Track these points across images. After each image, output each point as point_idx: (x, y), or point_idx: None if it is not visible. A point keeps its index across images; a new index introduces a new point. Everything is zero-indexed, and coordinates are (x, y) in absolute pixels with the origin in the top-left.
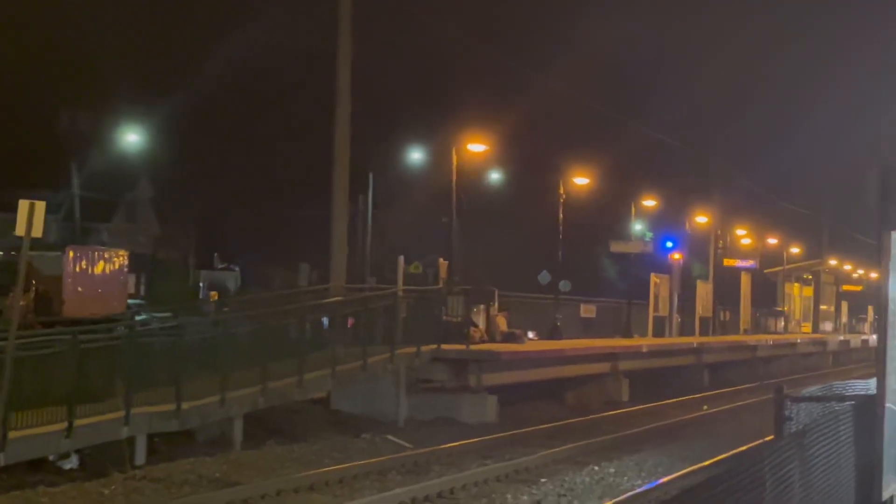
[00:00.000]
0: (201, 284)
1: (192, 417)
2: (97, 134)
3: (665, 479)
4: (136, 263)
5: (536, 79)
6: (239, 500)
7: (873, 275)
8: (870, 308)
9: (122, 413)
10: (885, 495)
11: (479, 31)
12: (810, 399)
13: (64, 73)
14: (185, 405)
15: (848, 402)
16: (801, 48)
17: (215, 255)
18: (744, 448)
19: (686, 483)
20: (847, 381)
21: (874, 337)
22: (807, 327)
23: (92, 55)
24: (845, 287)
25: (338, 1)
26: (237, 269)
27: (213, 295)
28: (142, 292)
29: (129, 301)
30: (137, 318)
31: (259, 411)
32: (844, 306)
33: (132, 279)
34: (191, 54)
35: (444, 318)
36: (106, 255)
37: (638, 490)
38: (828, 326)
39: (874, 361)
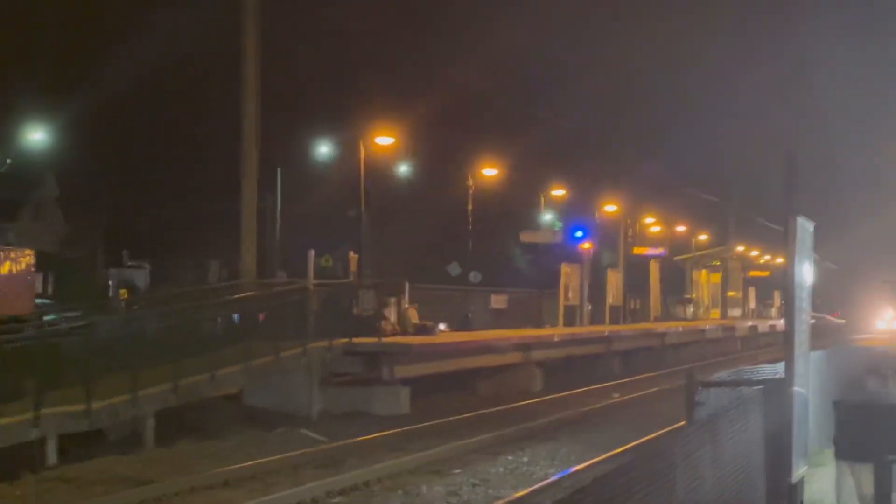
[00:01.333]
0: (110, 283)
1: (103, 417)
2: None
3: (578, 468)
4: (43, 263)
5: (444, 71)
6: (152, 499)
7: (779, 260)
8: (776, 293)
9: (31, 415)
10: (795, 477)
11: (386, 23)
12: (721, 384)
13: None
14: (95, 405)
15: (757, 387)
16: (711, 38)
17: (124, 252)
18: (656, 434)
19: (599, 471)
20: (756, 366)
21: (781, 321)
22: (715, 313)
23: None
24: (752, 273)
25: None
26: (147, 266)
27: (123, 293)
28: (49, 292)
29: (37, 301)
30: (45, 318)
31: (171, 409)
32: (752, 292)
33: (39, 279)
34: (96, 50)
35: (356, 311)
36: (11, 255)
37: (551, 479)
38: (736, 312)
39: (782, 345)
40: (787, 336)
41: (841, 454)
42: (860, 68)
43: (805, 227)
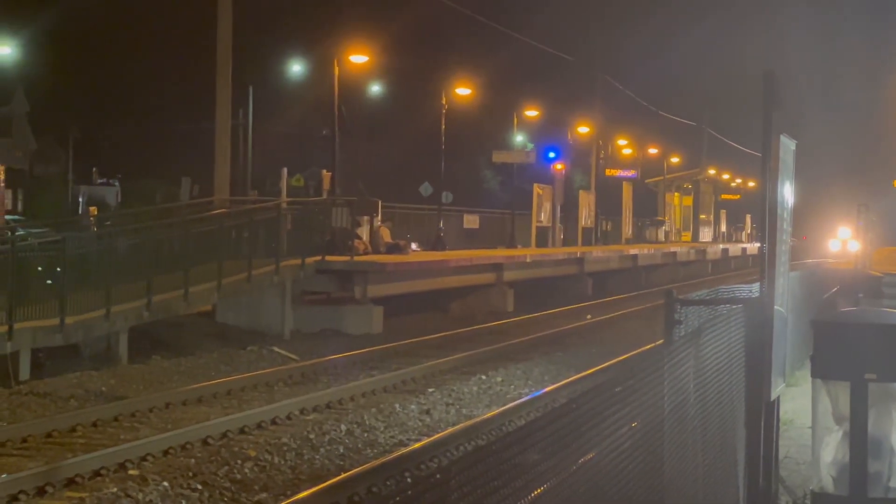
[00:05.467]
0: (80, 199)
1: (77, 332)
2: None
3: (551, 387)
4: (12, 179)
5: None
6: (127, 413)
7: (751, 184)
8: (748, 217)
9: (4, 328)
10: (773, 395)
11: None
12: (701, 303)
13: None
14: (68, 320)
15: (737, 305)
16: None
17: (94, 169)
18: (641, 350)
19: (577, 388)
20: (733, 286)
21: (752, 245)
22: (686, 236)
23: None
24: (724, 196)
25: None
26: (117, 183)
27: (93, 210)
28: (19, 208)
29: (7, 217)
30: (15, 233)
31: (145, 325)
32: (723, 215)
33: (9, 195)
34: None
35: (330, 229)
36: None
37: (525, 398)
38: (707, 235)
39: (755, 268)
40: (769, 255)
41: (817, 372)
42: None
43: (787, 145)
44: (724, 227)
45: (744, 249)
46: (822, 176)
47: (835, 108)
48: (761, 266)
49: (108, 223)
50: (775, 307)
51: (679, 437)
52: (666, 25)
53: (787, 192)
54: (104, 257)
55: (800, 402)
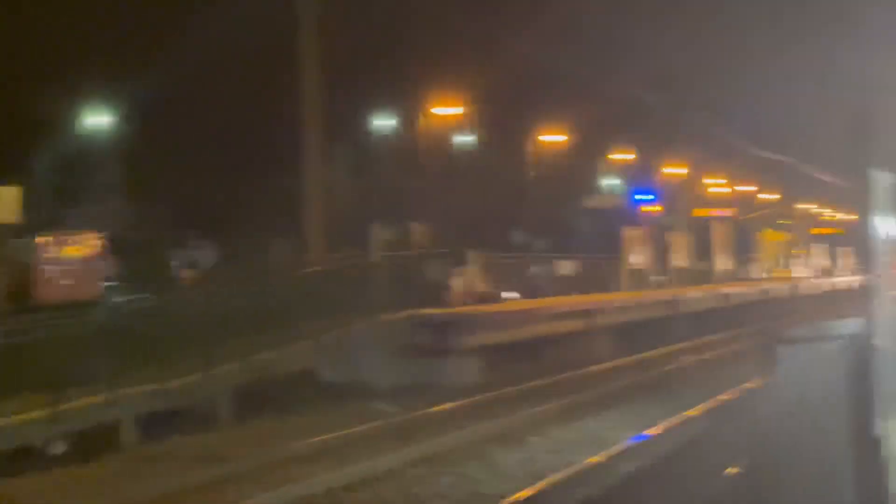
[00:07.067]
0: (175, 263)
1: (179, 395)
2: (64, 117)
3: (653, 430)
4: (110, 246)
5: (505, 39)
6: (232, 475)
7: (841, 216)
8: (844, 251)
9: (108, 396)
10: (879, 431)
11: None
12: (800, 340)
13: (34, 55)
14: (171, 383)
15: (837, 342)
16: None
17: (189, 232)
18: (733, 393)
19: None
20: (832, 321)
21: (851, 279)
22: (781, 272)
23: (61, 39)
24: (817, 230)
25: None
26: (211, 246)
27: (189, 273)
28: (117, 275)
29: (106, 284)
30: (115, 300)
31: (246, 385)
32: (819, 250)
33: (108, 262)
34: (158, 33)
35: (423, 281)
36: (80, 239)
37: (630, 442)
38: (802, 271)
39: (855, 301)
40: (871, 290)
41: None
42: None
43: (884, 178)
44: (819, 262)
45: (840, 284)
46: None
47: None
48: (864, 300)
49: (204, 286)
50: (878, 341)
51: (787, 476)
52: (758, 65)
53: (888, 226)
54: (201, 320)
55: None
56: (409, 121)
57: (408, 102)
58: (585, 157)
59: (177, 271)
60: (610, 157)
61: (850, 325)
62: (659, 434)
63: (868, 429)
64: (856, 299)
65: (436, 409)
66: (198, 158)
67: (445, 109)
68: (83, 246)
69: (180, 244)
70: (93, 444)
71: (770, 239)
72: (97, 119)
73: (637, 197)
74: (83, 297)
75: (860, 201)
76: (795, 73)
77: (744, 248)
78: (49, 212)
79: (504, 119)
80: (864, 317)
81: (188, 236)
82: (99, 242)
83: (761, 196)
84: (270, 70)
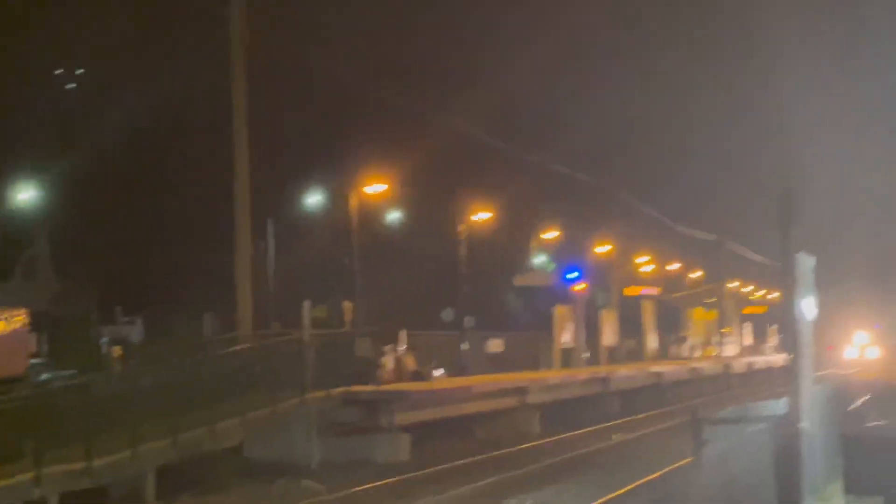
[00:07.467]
0: (104, 340)
1: (104, 473)
2: None
3: None
4: (36, 322)
5: (433, 117)
6: None
7: (771, 296)
8: (771, 329)
9: (32, 474)
10: None
11: (374, 72)
12: (726, 422)
13: None
14: (96, 462)
15: (764, 423)
16: (703, 76)
17: (117, 308)
18: (664, 471)
19: None
20: (759, 402)
21: (777, 357)
22: (711, 351)
23: None
24: (746, 310)
25: (230, 47)
26: (139, 322)
27: (117, 350)
28: (44, 351)
29: (32, 361)
30: (41, 377)
31: (172, 464)
32: (747, 328)
33: (33, 338)
34: (86, 100)
35: (353, 359)
36: (5, 315)
37: None
38: (732, 349)
39: (781, 379)
40: (793, 372)
41: (850, 488)
42: (850, 105)
43: (806, 261)
44: (748, 340)
45: (768, 362)
46: (836, 282)
47: (855, 217)
48: (788, 382)
49: (132, 363)
50: (801, 424)
51: None
52: (682, 145)
53: (809, 306)
54: (129, 397)
55: None
56: (340, 199)
57: (339, 180)
58: (516, 235)
59: (105, 347)
60: (541, 235)
61: (775, 406)
62: None
63: None
64: (783, 376)
65: (364, 487)
66: (128, 234)
67: (376, 187)
68: (8, 322)
69: (109, 320)
70: None
71: (699, 318)
72: (23, 194)
73: (568, 276)
74: (8, 374)
75: (784, 282)
76: (725, 156)
77: (674, 327)
78: None
79: (435, 197)
80: (789, 397)
81: (117, 312)
82: (24, 318)
83: (691, 276)
84: (202, 147)
